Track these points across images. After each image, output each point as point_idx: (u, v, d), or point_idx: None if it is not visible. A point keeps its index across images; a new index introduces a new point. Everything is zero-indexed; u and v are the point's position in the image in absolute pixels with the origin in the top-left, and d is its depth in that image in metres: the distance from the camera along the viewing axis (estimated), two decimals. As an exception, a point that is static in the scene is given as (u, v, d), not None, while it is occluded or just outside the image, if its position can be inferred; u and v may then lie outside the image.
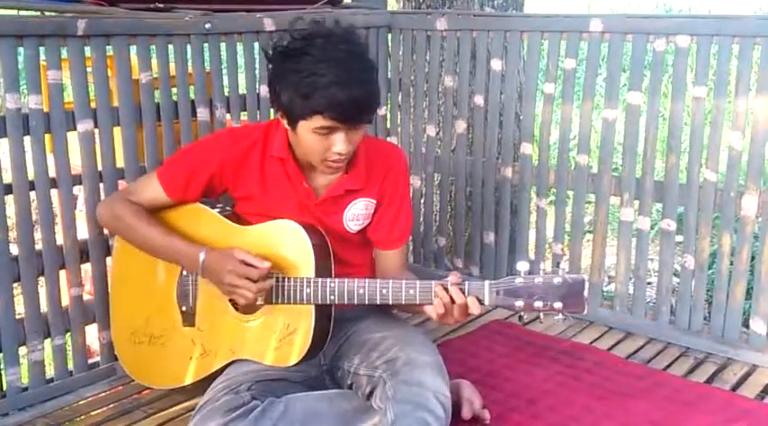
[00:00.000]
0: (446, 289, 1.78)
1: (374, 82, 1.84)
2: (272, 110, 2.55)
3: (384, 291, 1.83)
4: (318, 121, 1.78)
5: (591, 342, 2.52)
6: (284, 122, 1.88)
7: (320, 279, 1.85)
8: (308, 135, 1.82)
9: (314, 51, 1.77)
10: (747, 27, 2.29)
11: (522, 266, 1.75)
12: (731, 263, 2.41)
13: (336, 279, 1.85)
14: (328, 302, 1.86)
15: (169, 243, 1.94)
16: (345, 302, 1.85)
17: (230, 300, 1.95)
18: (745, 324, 2.44)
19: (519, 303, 1.74)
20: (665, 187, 2.48)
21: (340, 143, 1.81)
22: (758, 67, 2.29)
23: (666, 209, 2.49)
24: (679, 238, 2.51)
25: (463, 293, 1.77)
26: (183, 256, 1.93)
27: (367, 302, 1.84)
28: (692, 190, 2.43)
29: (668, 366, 2.37)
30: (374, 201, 2.03)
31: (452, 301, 1.78)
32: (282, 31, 1.86)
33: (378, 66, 1.90)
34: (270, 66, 1.87)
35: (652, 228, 2.71)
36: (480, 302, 1.77)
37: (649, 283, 3.04)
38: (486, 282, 1.77)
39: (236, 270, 1.83)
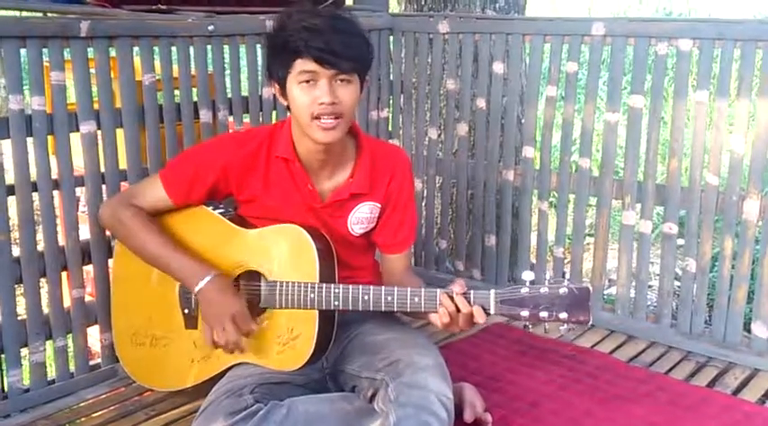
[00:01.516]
0: (451, 298, 1.78)
1: (356, 35, 1.85)
2: (274, 114, 2.58)
3: (389, 298, 1.82)
4: (299, 66, 1.81)
5: (592, 346, 2.52)
6: (282, 98, 1.90)
7: (325, 285, 1.85)
8: (296, 90, 1.83)
9: (294, 17, 1.83)
10: (750, 31, 2.30)
11: (528, 275, 1.76)
12: (733, 267, 2.41)
13: (341, 285, 1.85)
14: (333, 308, 1.86)
15: (167, 254, 1.92)
16: (350, 308, 1.85)
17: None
18: (747, 328, 2.45)
19: (524, 313, 1.74)
20: (666, 190, 2.48)
21: (323, 92, 1.81)
22: (760, 71, 2.29)
23: (668, 213, 2.49)
24: (680, 242, 2.52)
25: (468, 302, 1.77)
26: (181, 271, 1.91)
27: (372, 308, 1.84)
28: (694, 194, 2.43)
29: (670, 370, 2.37)
30: (379, 205, 2.03)
31: (457, 310, 1.77)
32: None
33: (368, 36, 1.94)
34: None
35: (653, 232, 2.71)
36: (486, 311, 1.77)
37: (651, 287, 3.05)
38: (492, 292, 1.77)
39: (237, 320, 1.84)
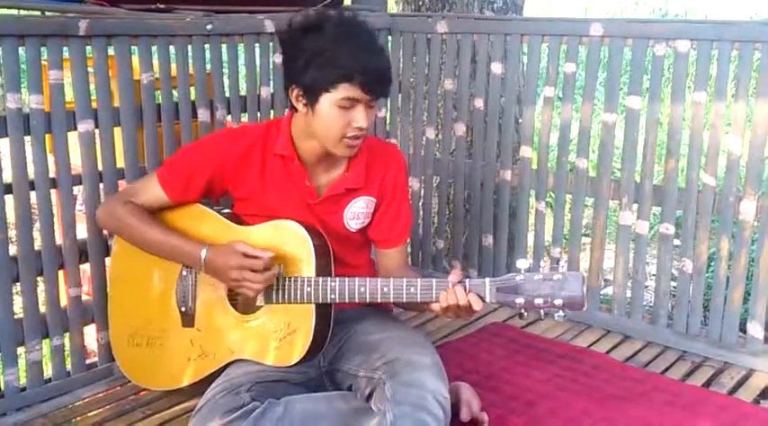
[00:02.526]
0: (449, 287, 1.78)
1: (388, 57, 1.91)
2: (272, 113, 2.58)
3: (385, 289, 1.83)
4: (344, 91, 1.82)
5: (589, 346, 2.52)
6: (300, 105, 1.89)
7: (321, 278, 1.86)
8: (330, 110, 1.84)
9: (331, 26, 1.84)
10: (747, 32, 2.30)
11: (522, 264, 1.76)
12: (729, 267, 2.42)
13: (337, 278, 1.86)
14: (329, 301, 1.86)
15: (170, 241, 1.95)
16: (346, 300, 1.86)
17: (230, 300, 1.95)
18: (743, 329, 2.45)
19: (519, 300, 1.75)
20: (663, 191, 2.49)
21: (361, 117, 1.85)
22: (757, 72, 2.30)
23: (665, 213, 2.50)
24: (677, 242, 2.52)
25: (464, 290, 1.78)
26: (184, 254, 1.94)
27: (368, 300, 1.85)
28: (691, 195, 2.43)
29: (666, 369, 2.38)
30: (374, 200, 2.04)
31: (455, 299, 1.78)
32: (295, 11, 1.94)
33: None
34: (284, 47, 1.93)
35: (650, 232, 2.71)
36: (482, 299, 1.78)
37: (647, 287, 3.05)
38: (487, 279, 1.78)
39: (242, 263, 1.85)
